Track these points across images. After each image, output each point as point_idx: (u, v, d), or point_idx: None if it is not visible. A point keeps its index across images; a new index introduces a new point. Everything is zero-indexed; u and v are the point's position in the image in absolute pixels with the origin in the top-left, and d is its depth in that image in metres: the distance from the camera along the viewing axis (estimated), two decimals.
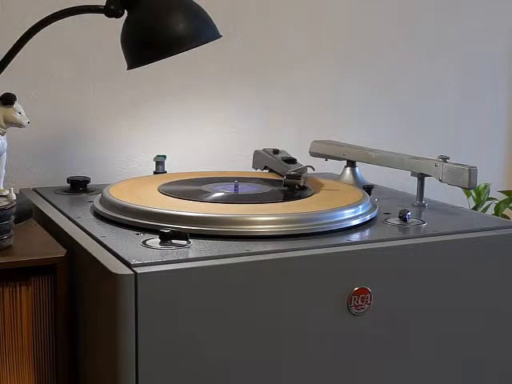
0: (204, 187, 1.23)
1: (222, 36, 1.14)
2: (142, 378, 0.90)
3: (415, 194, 1.30)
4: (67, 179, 1.37)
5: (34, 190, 1.38)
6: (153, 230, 1.02)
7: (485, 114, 1.96)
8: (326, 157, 1.52)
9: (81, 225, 1.09)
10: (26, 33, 1.13)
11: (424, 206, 1.28)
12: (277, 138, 1.66)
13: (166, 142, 1.56)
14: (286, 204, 1.16)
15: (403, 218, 1.14)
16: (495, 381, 1.16)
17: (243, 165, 1.56)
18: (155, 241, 0.99)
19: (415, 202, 1.29)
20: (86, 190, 1.34)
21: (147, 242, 0.99)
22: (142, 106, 1.54)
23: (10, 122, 1.18)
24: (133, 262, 0.90)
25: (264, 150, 1.47)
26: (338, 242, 1.03)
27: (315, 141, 1.55)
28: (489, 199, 1.77)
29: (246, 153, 1.55)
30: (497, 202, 1.78)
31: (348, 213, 1.11)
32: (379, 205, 1.21)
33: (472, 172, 1.22)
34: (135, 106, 1.54)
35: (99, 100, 1.51)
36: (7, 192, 1.17)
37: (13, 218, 1.01)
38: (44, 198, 1.30)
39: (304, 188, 1.24)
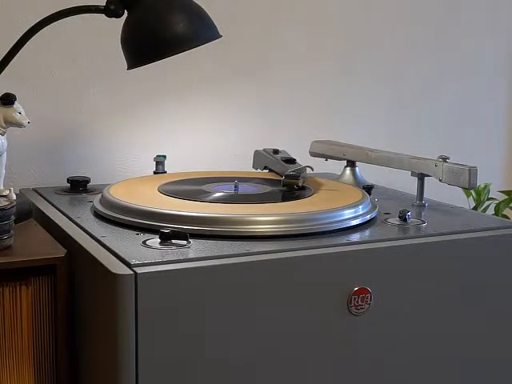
0: (204, 187, 1.23)
1: (221, 36, 1.14)
2: (142, 378, 0.90)
3: (415, 194, 1.30)
4: (67, 179, 1.37)
5: (34, 190, 1.38)
6: (153, 230, 1.02)
7: (485, 114, 1.96)
8: (326, 157, 1.52)
9: (81, 225, 1.09)
10: (25, 33, 1.13)
11: (424, 205, 1.28)
12: (277, 138, 1.66)
13: (165, 142, 1.56)
14: (285, 204, 1.16)
15: (403, 218, 1.14)
16: (495, 381, 1.16)
17: (243, 165, 1.56)
18: (155, 241, 0.99)
19: (415, 202, 1.29)
20: (86, 190, 1.34)
21: (147, 242, 0.99)
22: (142, 106, 1.54)
23: (10, 122, 1.18)
24: (133, 262, 0.90)
25: (264, 150, 1.47)
26: (338, 242, 1.03)
27: (315, 141, 1.55)
28: (489, 199, 1.77)
29: (246, 153, 1.55)
30: (497, 201, 1.78)
31: (348, 213, 1.11)
32: (379, 205, 1.21)
33: (472, 172, 1.22)
34: (135, 106, 1.54)
35: (99, 100, 1.50)
36: (7, 192, 1.17)
37: (13, 218, 1.01)
38: (44, 198, 1.30)
39: (303, 188, 1.24)
